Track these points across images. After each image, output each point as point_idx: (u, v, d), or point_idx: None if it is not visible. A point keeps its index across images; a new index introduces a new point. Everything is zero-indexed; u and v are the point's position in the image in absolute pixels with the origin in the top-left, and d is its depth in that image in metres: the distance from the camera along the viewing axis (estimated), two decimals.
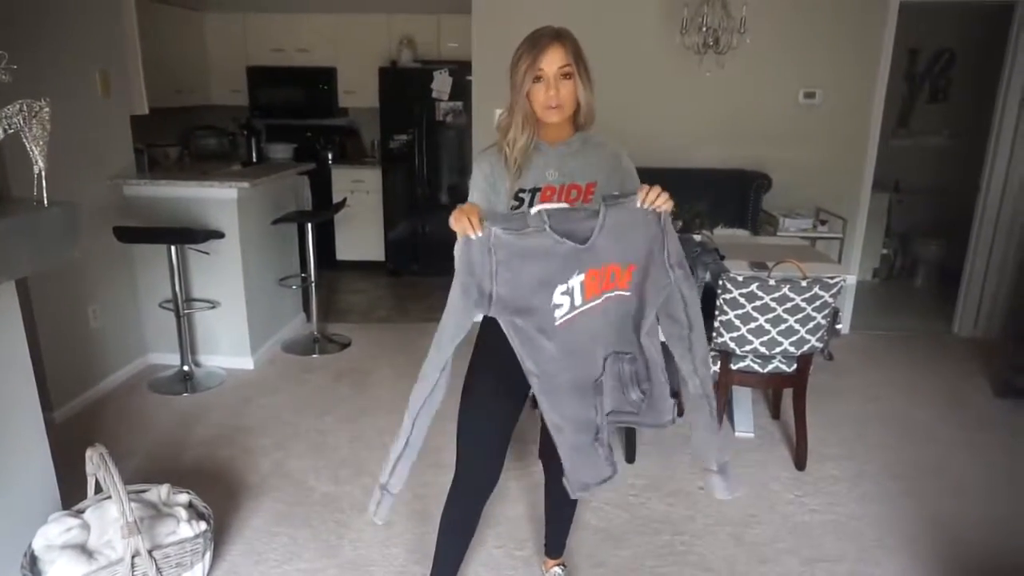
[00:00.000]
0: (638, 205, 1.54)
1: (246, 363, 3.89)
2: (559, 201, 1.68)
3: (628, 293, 1.58)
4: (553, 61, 1.61)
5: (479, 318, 1.56)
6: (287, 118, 6.07)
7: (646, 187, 1.55)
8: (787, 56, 4.40)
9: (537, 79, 1.63)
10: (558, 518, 2.19)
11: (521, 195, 1.69)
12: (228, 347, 3.89)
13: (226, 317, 3.84)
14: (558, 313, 1.51)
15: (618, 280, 1.56)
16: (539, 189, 1.69)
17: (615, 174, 1.73)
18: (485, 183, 1.72)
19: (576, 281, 1.51)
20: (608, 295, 1.54)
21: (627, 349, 1.60)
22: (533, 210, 1.53)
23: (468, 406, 1.81)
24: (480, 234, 1.43)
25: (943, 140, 5.97)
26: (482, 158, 1.74)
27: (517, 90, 1.64)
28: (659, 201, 1.53)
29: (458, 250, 1.47)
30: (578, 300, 1.51)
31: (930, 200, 5.94)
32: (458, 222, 1.45)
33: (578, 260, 1.50)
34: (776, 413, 3.42)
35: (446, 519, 1.95)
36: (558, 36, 1.63)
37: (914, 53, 5.82)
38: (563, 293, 1.50)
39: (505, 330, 1.51)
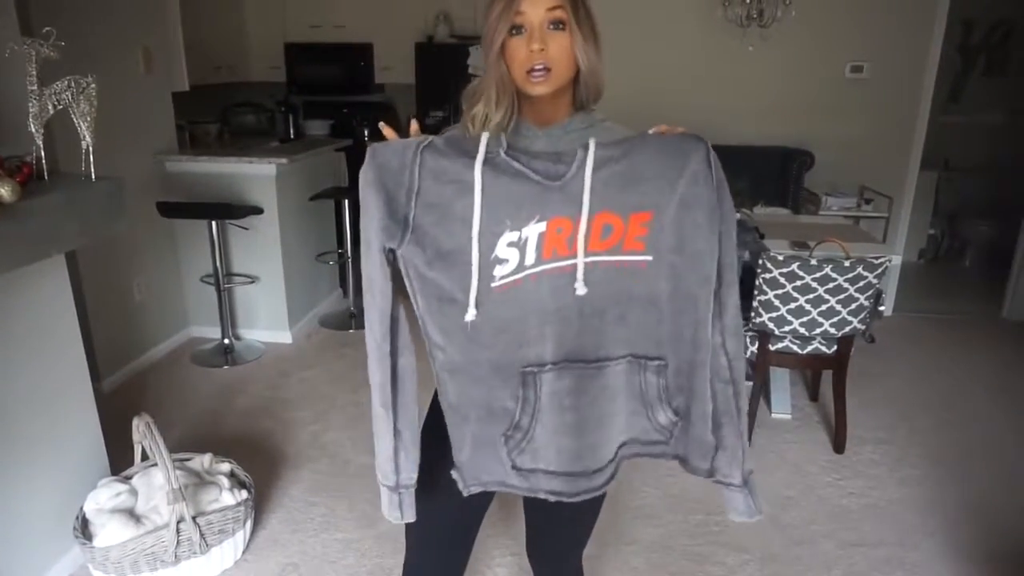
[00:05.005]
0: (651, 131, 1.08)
1: (284, 337, 3.96)
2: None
3: (646, 258, 1.05)
4: (539, 1, 1.11)
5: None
6: (324, 95, 6.09)
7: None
8: (834, 28, 4.26)
9: (516, 29, 1.12)
10: None
11: None
12: (267, 321, 3.96)
13: (265, 292, 3.90)
14: (498, 271, 1.04)
15: (623, 239, 1.04)
16: None
17: None
18: None
19: (533, 231, 1.03)
20: (592, 259, 1.03)
21: (654, 352, 1.10)
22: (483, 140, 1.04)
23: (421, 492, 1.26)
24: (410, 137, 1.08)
25: (998, 117, 5.73)
26: None
27: (489, 45, 1.14)
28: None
29: (367, 158, 1.05)
30: (530, 258, 1.04)
31: (981, 179, 5.72)
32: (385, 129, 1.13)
33: (542, 202, 1.03)
34: (815, 395, 3.37)
35: None
36: None
37: (968, 25, 5.58)
38: (510, 244, 1.03)
39: (407, 283, 1.08)
